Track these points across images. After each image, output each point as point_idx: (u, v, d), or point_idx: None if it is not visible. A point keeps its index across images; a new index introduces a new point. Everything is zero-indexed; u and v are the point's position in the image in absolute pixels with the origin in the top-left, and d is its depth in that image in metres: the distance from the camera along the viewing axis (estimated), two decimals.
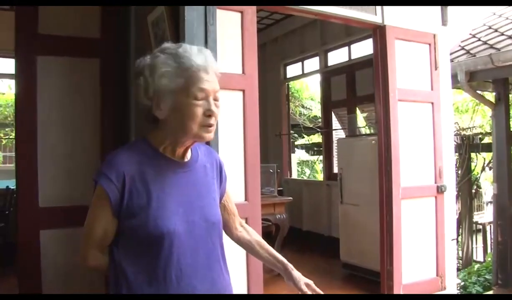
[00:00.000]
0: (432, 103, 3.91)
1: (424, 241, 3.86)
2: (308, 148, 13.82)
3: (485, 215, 11.13)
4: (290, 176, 7.51)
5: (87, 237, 1.29)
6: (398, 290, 3.67)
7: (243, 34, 2.88)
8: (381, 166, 3.76)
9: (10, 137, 11.38)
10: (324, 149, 6.78)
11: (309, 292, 1.45)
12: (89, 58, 2.44)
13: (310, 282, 1.48)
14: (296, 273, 1.49)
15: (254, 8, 2.93)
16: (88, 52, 2.45)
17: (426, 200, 3.89)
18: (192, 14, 1.55)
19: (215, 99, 1.24)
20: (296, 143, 12.94)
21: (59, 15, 2.35)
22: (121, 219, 1.23)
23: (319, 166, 13.90)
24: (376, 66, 3.80)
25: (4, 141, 11.83)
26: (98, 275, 2.44)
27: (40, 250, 2.34)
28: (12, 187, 5.42)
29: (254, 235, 1.58)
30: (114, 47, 2.49)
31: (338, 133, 6.95)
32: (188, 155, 1.33)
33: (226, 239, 1.47)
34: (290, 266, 1.51)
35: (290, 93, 8.29)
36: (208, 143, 1.38)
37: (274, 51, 7.44)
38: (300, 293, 1.45)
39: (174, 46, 1.26)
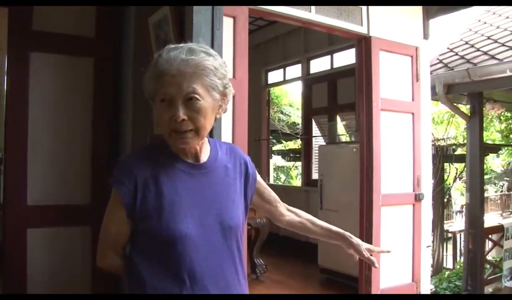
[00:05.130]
0: (413, 114, 4.03)
1: (402, 248, 3.97)
2: (284, 154, 13.93)
3: (454, 224, 11.50)
4: (268, 181, 7.56)
5: (103, 238, 1.29)
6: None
7: (235, 39, 2.93)
8: (363, 173, 3.85)
9: None
10: (304, 155, 6.86)
11: (371, 256, 1.49)
12: (83, 57, 2.41)
13: (371, 246, 1.52)
14: (355, 240, 1.50)
15: (246, 14, 2.99)
16: (82, 50, 2.41)
17: (404, 207, 4.01)
18: (200, 18, 1.58)
19: (189, 99, 1.17)
20: (272, 148, 13.02)
21: (54, 12, 2.32)
22: (135, 221, 1.23)
23: (294, 172, 14.05)
24: (360, 75, 3.89)
25: None
26: (86, 276, 2.43)
27: (26, 249, 2.29)
28: None
29: (304, 215, 1.57)
30: (109, 47, 2.47)
31: (318, 140, 7.04)
32: (205, 156, 1.30)
33: None
34: (348, 233, 1.52)
35: (270, 99, 8.37)
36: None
37: (256, 57, 7.47)
38: (363, 258, 1.49)
39: (163, 49, 1.23)
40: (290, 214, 1.56)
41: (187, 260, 1.20)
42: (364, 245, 1.50)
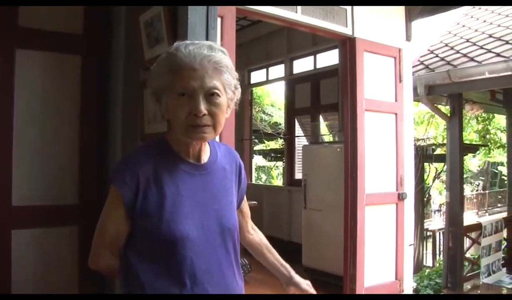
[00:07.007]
0: (396, 114, 4.09)
1: (385, 246, 4.03)
2: (265, 154, 13.96)
3: (433, 223, 11.73)
4: (251, 181, 7.57)
5: (99, 237, 1.26)
6: (360, 293, 3.80)
7: (223, 37, 2.92)
8: (347, 173, 3.89)
9: None
10: (287, 155, 6.89)
11: (311, 292, 1.50)
12: (71, 55, 2.36)
13: (308, 282, 1.52)
14: (298, 279, 1.51)
15: (234, 12, 2.99)
16: (69, 48, 2.35)
17: (388, 206, 4.06)
18: (195, 17, 1.58)
19: (211, 95, 1.17)
20: (254, 148, 13.03)
21: (40, 8, 2.27)
22: (134, 220, 1.20)
23: (275, 172, 14.11)
24: (345, 76, 3.93)
25: None
26: (73, 277, 2.39)
27: (11, 251, 2.23)
28: None
29: (263, 239, 1.57)
30: (97, 44, 2.43)
31: (300, 140, 7.08)
32: (205, 156, 1.29)
33: None
34: (293, 272, 1.52)
35: (252, 99, 8.39)
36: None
37: (239, 57, 7.47)
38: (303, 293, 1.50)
39: (176, 44, 1.22)
40: (254, 233, 1.56)
41: (188, 261, 1.18)
42: (304, 282, 1.52)
